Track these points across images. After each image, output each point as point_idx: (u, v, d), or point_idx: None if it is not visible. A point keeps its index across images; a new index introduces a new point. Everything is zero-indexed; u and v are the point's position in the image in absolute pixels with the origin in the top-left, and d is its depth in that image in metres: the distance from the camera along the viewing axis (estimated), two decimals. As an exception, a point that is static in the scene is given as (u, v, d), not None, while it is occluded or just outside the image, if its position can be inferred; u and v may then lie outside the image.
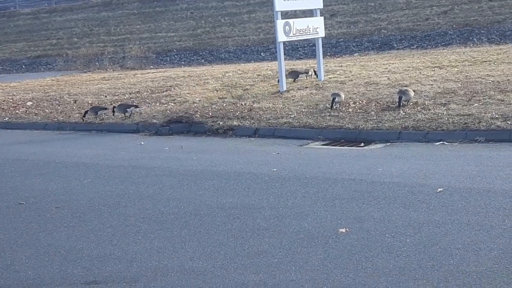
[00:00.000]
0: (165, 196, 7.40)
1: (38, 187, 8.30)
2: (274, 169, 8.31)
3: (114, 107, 13.38)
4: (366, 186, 7.17)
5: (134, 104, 13.87)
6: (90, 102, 15.85)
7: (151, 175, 8.53)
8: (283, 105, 12.54)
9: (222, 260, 5.27)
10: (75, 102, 16.23)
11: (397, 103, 11.09)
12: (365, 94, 12.70)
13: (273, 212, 6.47)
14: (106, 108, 13.81)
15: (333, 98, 11.63)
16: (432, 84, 12.88)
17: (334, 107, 11.59)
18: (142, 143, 11.27)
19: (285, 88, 13.99)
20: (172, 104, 14.17)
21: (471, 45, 20.77)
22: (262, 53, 25.51)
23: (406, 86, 12.77)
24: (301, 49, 24.57)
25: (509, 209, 6.02)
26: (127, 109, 13.33)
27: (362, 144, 9.79)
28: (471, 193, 6.59)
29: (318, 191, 7.10)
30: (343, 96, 11.87)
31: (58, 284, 5.04)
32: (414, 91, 12.24)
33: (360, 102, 11.97)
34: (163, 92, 16.19)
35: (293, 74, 15.01)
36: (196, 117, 12.27)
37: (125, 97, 16.01)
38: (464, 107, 10.72)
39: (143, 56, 27.53)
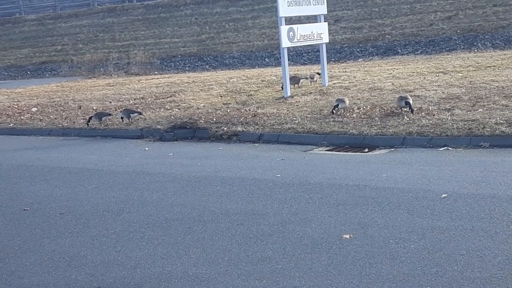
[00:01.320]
0: (169, 202, 7.41)
1: (43, 193, 8.32)
2: (278, 175, 8.31)
3: (122, 117, 13.38)
4: (370, 191, 7.16)
5: (138, 110, 13.89)
6: (94, 108, 15.88)
7: (155, 181, 8.54)
8: (287, 110, 12.54)
9: (225, 266, 5.27)
10: (79, 108, 16.27)
11: (409, 109, 10.93)
12: (369, 99, 12.69)
13: (277, 218, 6.46)
14: (110, 114, 13.83)
15: (336, 104, 11.62)
16: (436, 90, 12.87)
17: (338, 112, 11.58)
18: (146, 149, 11.28)
19: (289, 94, 14.00)
20: (177, 109, 14.19)
21: (476, 50, 20.77)
22: (266, 59, 25.55)
23: (410, 91, 12.79)
24: (305, 54, 24.60)
25: (514, 215, 6.00)
26: (131, 115, 13.37)
27: (366, 150, 9.78)
28: (476, 199, 6.57)
29: (322, 197, 7.10)
30: (347, 102, 11.86)
31: (62, 290, 5.04)
32: (418, 96, 12.26)
33: (364, 107, 11.96)
34: (168, 98, 16.23)
35: (294, 80, 15.01)
36: (200, 122, 12.28)
37: (129, 103, 16.05)
38: (469, 112, 10.71)
39: (148, 62, 27.62)
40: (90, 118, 13.60)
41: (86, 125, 13.54)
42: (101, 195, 7.96)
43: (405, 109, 11.09)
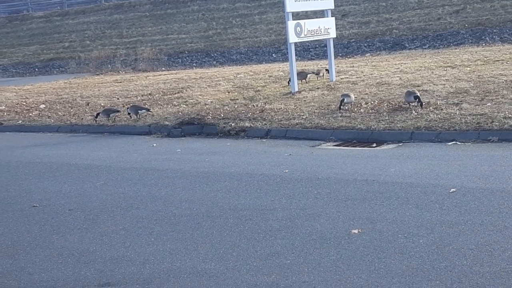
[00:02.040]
0: (178, 198, 7.42)
1: (52, 189, 8.35)
2: (286, 170, 8.31)
3: (129, 113, 13.41)
4: (379, 186, 7.15)
5: (146, 107, 13.91)
6: (102, 104, 15.92)
7: (163, 177, 8.55)
8: (294, 106, 12.53)
9: (234, 262, 5.28)
10: (87, 104, 16.31)
11: (419, 103, 10.90)
12: (377, 94, 12.67)
13: (285, 213, 6.47)
14: (118, 111, 13.85)
15: (342, 99, 11.61)
16: (444, 84, 12.83)
17: (346, 107, 11.57)
18: (154, 145, 11.30)
19: (296, 89, 13.98)
20: (184, 105, 14.21)
21: (484, 44, 20.67)
22: (273, 54, 25.52)
23: (418, 86, 12.75)
24: (312, 50, 24.56)
25: (523, 209, 5.98)
26: (139, 111, 13.39)
27: (374, 145, 9.76)
28: (485, 193, 6.55)
29: (330, 192, 7.09)
30: (353, 96, 11.84)
31: (71, 287, 5.06)
32: (426, 91, 12.23)
33: (372, 102, 11.94)
34: (175, 94, 16.24)
35: (301, 75, 14.99)
36: (208, 118, 12.28)
37: (137, 99, 16.07)
38: (477, 106, 10.67)
39: (155, 58, 27.63)
40: (98, 114, 13.65)
41: (94, 121, 13.59)
42: (110, 191, 7.98)
43: (413, 104, 11.06)
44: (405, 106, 11.24)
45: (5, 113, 16.39)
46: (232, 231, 6.04)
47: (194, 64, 26.44)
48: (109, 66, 27.73)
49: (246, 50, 26.82)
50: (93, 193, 7.98)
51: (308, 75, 15.29)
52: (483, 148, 8.82)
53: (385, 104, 11.64)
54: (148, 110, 13.56)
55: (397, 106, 11.42)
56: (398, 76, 14.57)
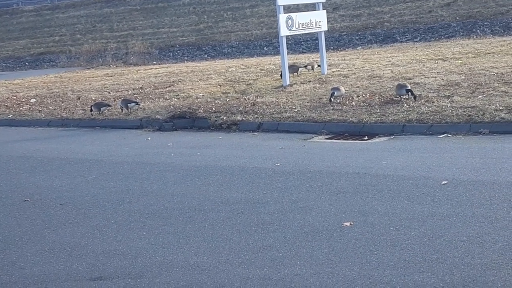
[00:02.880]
0: (169, 191, 7.41)
1: (43, 184, 8.32)
2: (278, 164, 8.31)
3: (121, 107, 13.37)
4: (370, 179, 7.16)
5: (136, 100, 13.86)
6: (93, 98, 15.86)
7: (155, 170, 8.54)
8: (286, 99, 12.52)
9: (226, 255, 5.27)
10: (78, 98, 16.25)
11: (412, 96, 10.93)
12: (369, 87, 12.68)
13: (277, 206, 6.47)
14: (109, 105, 13.81)
15: (332, 93, 11.62)
16: (435, 77, 12.85)
17: (337, 101, 11.58)
18: (148, 138, 11.27)
19: (288, 83, 13.97)
20: (176, 99, 14.17)
21: (475, 37, 20.72)
22: (265, 48, 25.49)
23: (409, 79, 12.77)
24: (304, 43, 24.55)
25: (514, 201, 6.01)
26: (128, 104, 13.34)
27: (366, 138, 9.77)
28: (476, 186, 6.57)
29: (322, 185, 7.10)
30: (343, 90, 11.85)
31: (63, 281, 5.05)
32: (417, 83, 12.25)
33: (364, 95, 11.94)
34: (166, 87, 16.20)
35: (293, 69, 14.98)
36: (199, 112, 12.26)
37: (128, 93, 16.02)
38: (468, 99, 10.70)
39: (146, 52, 27.56)
40: (91, 107, 13.66)
41: (91, 114, 13.52)
42: (101, 186, 7.96)
43: (405, 97, 11.08)
44: (396, 99, 11.25)
45: (-4, 108, 16.30)
46: (224, 225, 6.03)
47: (185, 57, 26.39)
48: (100, 60, 27.63)
49: (238, 44, 26.79)
50: (85, 187, 7.96)
51: (300, 69, 15.29)
52: (474, 141, 8.84)
53: (377, 97, 11.65)
54: (137, 103, 13.51)
55: (388, 99, 11.43)
56: (389, 69, 14.59)
